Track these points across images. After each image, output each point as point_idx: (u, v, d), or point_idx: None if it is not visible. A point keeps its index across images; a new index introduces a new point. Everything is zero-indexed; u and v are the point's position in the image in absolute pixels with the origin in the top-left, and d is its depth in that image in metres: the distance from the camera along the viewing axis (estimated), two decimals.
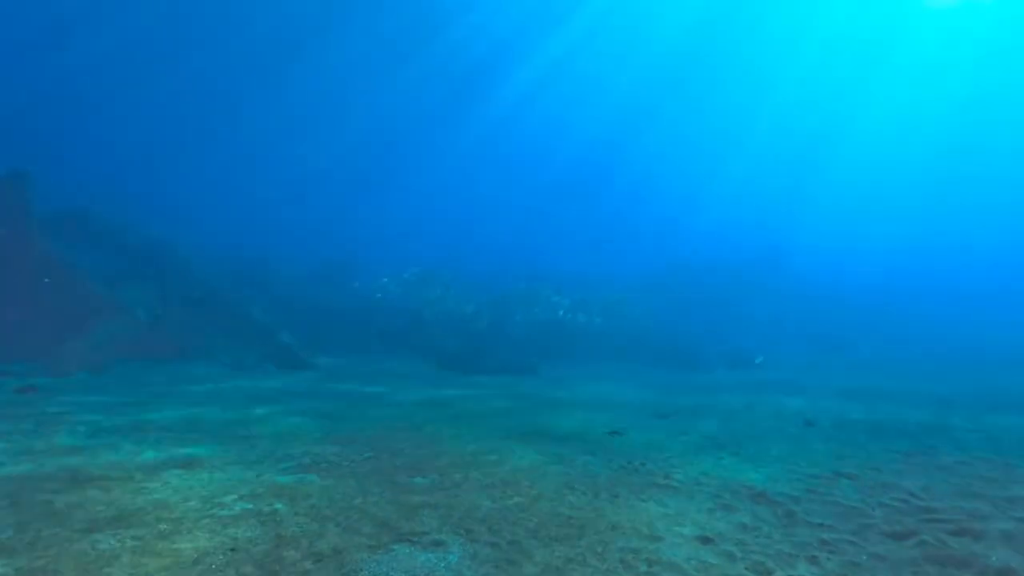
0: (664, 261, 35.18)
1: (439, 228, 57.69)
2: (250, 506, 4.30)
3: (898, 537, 3.93)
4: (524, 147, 47.81)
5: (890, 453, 6.39)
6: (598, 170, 55.57)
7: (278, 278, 23.50)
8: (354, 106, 39.36)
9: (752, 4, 36.95)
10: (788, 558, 3.57)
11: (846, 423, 8.29)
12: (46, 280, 14.18)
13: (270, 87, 36.98)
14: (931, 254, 57.03)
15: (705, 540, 3.84)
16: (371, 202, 53.89)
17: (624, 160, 53.57)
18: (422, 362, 17.11)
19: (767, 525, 4.14)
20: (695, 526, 4.10)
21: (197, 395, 9.94)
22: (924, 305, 34.63)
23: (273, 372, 14.01)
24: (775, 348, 25.10)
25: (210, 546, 3.56)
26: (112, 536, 3.67)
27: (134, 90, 35.75)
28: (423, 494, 4.70)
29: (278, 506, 4.31)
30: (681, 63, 39.01)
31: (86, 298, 15.20)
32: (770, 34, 37.72)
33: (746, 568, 3.42)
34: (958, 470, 5.71)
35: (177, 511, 4.17)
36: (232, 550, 3.52)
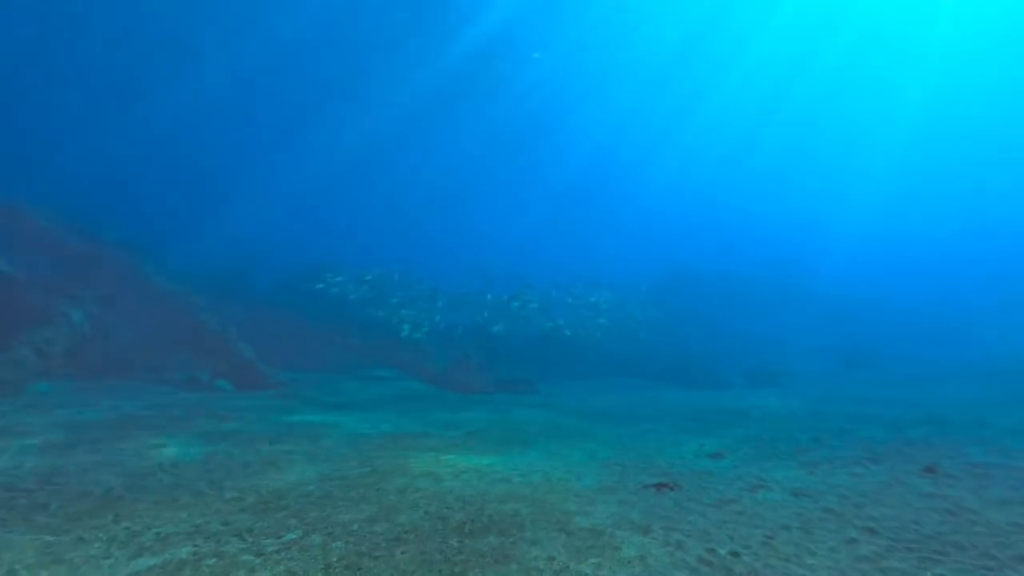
0: (664, 267, 33.01)
1: (410, 224, 54.20)
2: None
3: None
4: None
5: None
6: (595, 169, 52.79)
7: (254, 285, 21.20)
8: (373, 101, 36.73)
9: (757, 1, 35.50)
10: None
11: (980, 467, 6.03)
12: None
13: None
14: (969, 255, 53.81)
15: None
16: (354, 197, 50.19)
17: (615, 159, 50.93)
18: (400, 378, 14.84)
19: None
20: None
21: (100, 427, 7.66)
22: (960, 310, 32.22)
23: (228, 392, 11.73)
24: (796, 362, 22.91)
25: None
26: None
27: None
28: None
29: None
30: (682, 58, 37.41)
31: (15, 308, 12.95)
32: (783, 26, 36.14)
33: None
34: None
35: None
36: None
